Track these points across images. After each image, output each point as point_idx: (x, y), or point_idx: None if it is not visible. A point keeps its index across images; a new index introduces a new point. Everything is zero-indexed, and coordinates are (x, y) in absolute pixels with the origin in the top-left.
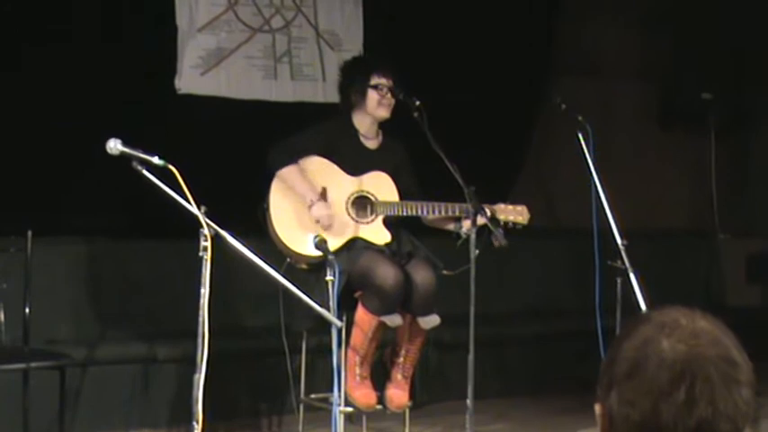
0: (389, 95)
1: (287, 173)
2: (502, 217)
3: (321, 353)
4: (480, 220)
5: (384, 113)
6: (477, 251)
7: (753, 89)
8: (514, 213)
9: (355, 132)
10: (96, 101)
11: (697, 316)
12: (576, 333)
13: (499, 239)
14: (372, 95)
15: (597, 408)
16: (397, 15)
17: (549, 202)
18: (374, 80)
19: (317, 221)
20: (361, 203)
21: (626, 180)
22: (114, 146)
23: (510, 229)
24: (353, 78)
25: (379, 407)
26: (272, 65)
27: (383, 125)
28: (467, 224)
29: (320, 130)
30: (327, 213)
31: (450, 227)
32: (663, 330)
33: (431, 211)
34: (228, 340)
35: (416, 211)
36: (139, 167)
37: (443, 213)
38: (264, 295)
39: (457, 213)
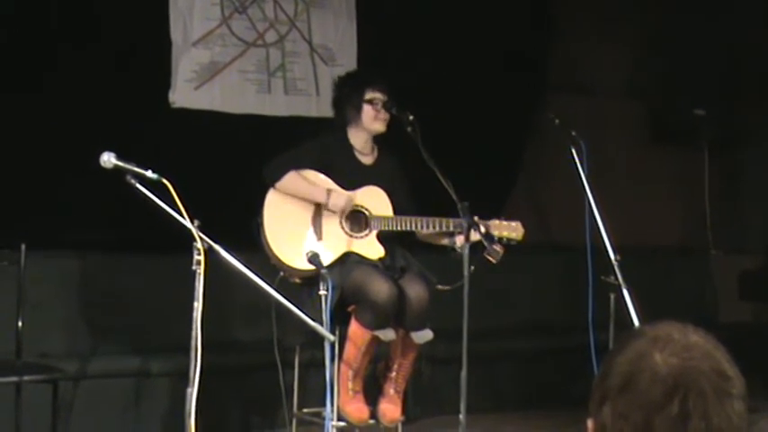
0: (384, 110)
1: (289, 180)
2: (496, 233)
3: (314, 367)
4: (474, 236)
5: (379, 127)
6: (473, 267)
7: (745, 106)
8: (509, 229)
9: (351, 148)
10: (90, 114)
11: (689, 331)
12: (569, 349)
13: (494, 255)
14: (368, 110)
15: (590, 423)
16: (390, 31)
17: (543, 218)
18: (369, 95)
19: (342, 210)
20: (355, 218)
21: (619, 196)
22: (108, 159)
23: (504, 245)
24: (348, 93)
25: (371, 421)
26: (266, 79)
27: (378, 140)
28: (460, 239)
29: (316, 145)
30: (346, 198)
31: (444, 242)
32: (656, 344)
33: (424, 227)
34: (221, 354)
35: (410, 227)
36: (133, 181)
37: (437, 228)
38: (257, 309)
39: (451, 229)
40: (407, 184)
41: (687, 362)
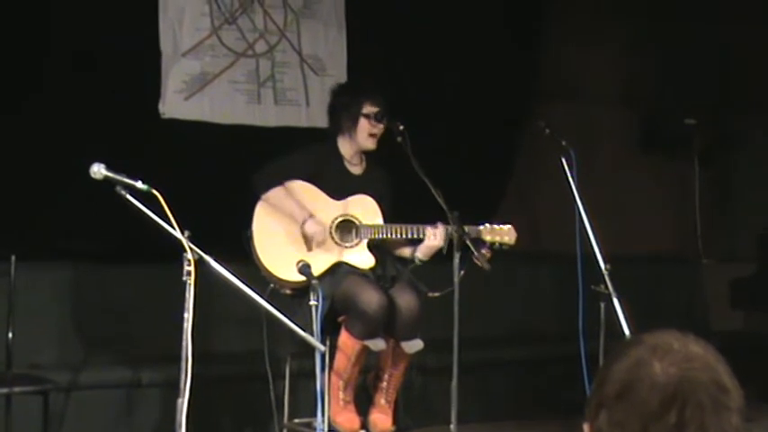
0: (380, 125)
1: (274, 195)
2: (488, 238)
3: (304, 377)
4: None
5: (371, 145)
6: (462, 272)
7: (736, 114)
8: (501, 234)
9: (340, 157)
10: (80, 125)
11: (689, 340)
12: (560, 358)
13: (482, 262)
14: (364, 124)
15: (586, 428)
16: (380, 40)
17: (533, 227)
18: (367, 109)
19: (311, 238)
20: (346, 227)
21: (609, 205)
22: (98, 170)
23: (497, 251)
24: (346, 103)
25: (362, 431)
26: (256, 89)
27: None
28: (421, 250)
29: (305, 154)
30: (321, 229)
31: (406, 252)
32: (655, 353)
33: (414, 234)
34: (212, 365)
35: (400, 234)
36: (123, 192)
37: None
38: (248, 320)
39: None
40: (392, 198)
41: (687, 372)
